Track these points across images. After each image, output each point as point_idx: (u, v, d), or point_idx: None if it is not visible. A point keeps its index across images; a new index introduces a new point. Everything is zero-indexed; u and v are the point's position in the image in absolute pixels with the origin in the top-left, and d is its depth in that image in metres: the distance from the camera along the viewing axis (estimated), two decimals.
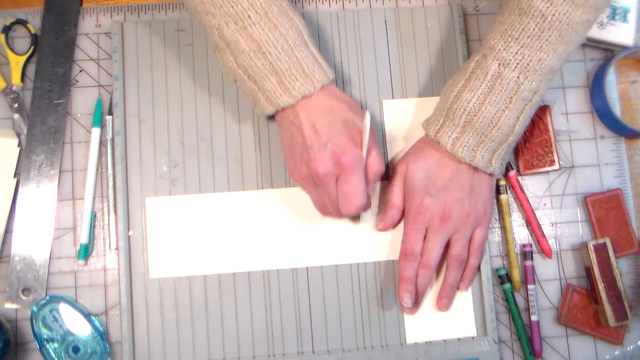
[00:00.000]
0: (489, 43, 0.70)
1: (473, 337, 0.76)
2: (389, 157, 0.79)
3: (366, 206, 0.74)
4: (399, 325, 0.76)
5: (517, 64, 0.69)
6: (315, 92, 0.69)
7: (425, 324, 0.76)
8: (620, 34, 0.81)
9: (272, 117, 0.75)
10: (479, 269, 0.77)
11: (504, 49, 0.69)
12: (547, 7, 0.67)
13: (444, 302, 0.75)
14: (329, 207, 0.72)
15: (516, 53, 0.69)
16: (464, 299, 0.77)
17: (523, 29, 0.68)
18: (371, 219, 0.77)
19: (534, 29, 0.68)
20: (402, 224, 0.77)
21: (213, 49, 0.72)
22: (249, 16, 0.67)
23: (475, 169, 0.73)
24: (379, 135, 0.79)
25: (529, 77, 0.69)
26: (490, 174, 0.74)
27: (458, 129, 0.71)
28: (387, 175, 0.78)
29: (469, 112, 0.70)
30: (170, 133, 0.78)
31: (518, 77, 0.69)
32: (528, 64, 0.69)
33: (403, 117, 0.80)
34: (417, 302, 0.74)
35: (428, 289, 0.76)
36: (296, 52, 0.68)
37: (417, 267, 0.73)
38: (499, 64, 0.69)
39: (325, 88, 0.70)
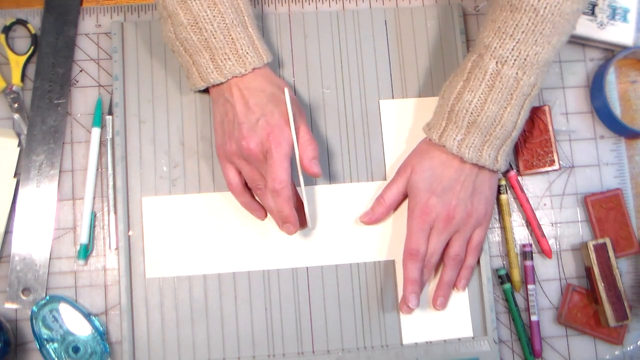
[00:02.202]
0: (484, 42, 0.70)
1: (473, 337, 0.76)
2: (387, 157, 0.79)
3: (301, 222, 0.73)
4: (398, 325, 0.76)
5: (515, 60, 0.69)
6: (247, 73, 0.70)
7: (422, 324, 0.76)
8: (620, 34, 0.81)
9: (206, 91, 0.76)
10: (477, 269, 0.77)
11: (499, 47, 0.69)
12: (539, 1, 0.67)
13: (440, 301, 0.75)
14: (260, 183, 0.72)
15: (512, 49, 0.69)
16: (460, 299, 0.76)
17: (517, 25, 0.68)
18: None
19: (527, 24, 0.68)
20: (387, 223, 0.77)
21: (159, 17, 0.73)
22: None
23: (480, 167, 0.73)
24: (377, 134, 0.79)
25: (527, 72, 0.69)
26: (496, 171, 0.74)
27: (462, 130, 0.71)
28: (386, 175, 0.78)
29: (472, 113, 0.70)
30: (170, 133, 0.78)
31: (517, 73, 0.69)
32: (525, 59, 0.69)
33: (401, 117, 0.80)
34: None
35: (425, 288, 0.76)
36: (232, 31, 0.70)
37: (422, 268, 0.73)
38: (497, 62, 0.69)
39: (258, 70, 0.71)
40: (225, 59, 0.70)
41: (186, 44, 0.71)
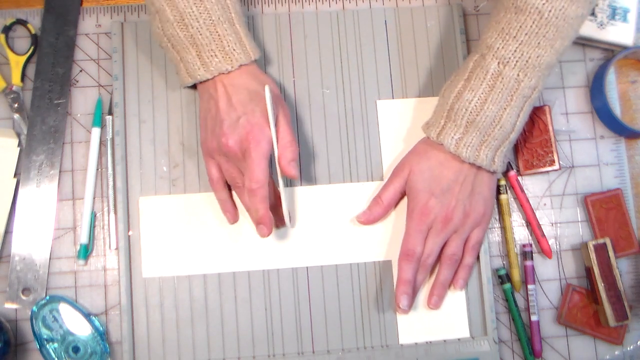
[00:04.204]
0: (487, 42, 0.71)
1: (472, 337, 0.76)
2: (384, 157, 0.79)
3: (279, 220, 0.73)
4: (396, 325, 0.76)
5: (517, 61, 0.69)
6: (233, 70, 0.70)
7: (418, 325, 0.76)
8: (620, 34, 0.81)
9: (195, 87, 0.76)
10: (477, 269, 0.77)
11: (502, 48, 0.69)
12: (544, 4, 0.67)
13: (434, 300, 0.75)
14: (239, 181, 0.72)
15: (515, 51, 0.69)
16: (457, 300, 0.76)
17: (520, 27, 0.68)
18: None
19: (531, 26, 0.68)
20: (386, 224, 0.77)
21: (148, 13, 0.73)
22: None
23: (478, 168, 0.73)
24: (374, 134, 0.79)
25: (528, 74, 0.69)
26: (493, 172, 0.74)
27: (460, 129, 0.71)
28: (383, 175, 0.78)
29: (471, 112, 0.71)
30: (170, 133, 0.78)
31: (518, 74, 0.69)
32: (527, 61, 0.69)
33: (398, 118, 0.80)
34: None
35: (421, 288, 0.76)
36: (218, 28, 0.70)
37: (417, 269, 0.73)
38: (499, 63, 0.70)
39: (245, 67, 0.71)
40: (211, 56, 0.70)
41: (173, 41, 0.71)
